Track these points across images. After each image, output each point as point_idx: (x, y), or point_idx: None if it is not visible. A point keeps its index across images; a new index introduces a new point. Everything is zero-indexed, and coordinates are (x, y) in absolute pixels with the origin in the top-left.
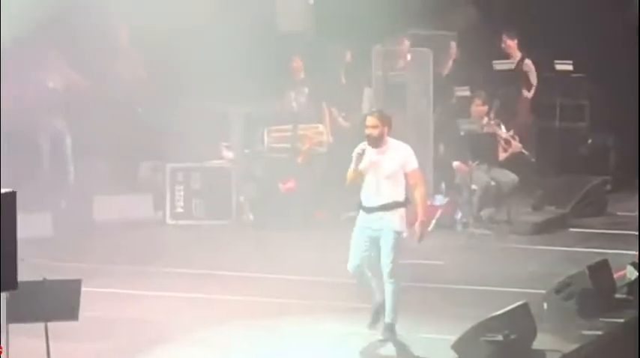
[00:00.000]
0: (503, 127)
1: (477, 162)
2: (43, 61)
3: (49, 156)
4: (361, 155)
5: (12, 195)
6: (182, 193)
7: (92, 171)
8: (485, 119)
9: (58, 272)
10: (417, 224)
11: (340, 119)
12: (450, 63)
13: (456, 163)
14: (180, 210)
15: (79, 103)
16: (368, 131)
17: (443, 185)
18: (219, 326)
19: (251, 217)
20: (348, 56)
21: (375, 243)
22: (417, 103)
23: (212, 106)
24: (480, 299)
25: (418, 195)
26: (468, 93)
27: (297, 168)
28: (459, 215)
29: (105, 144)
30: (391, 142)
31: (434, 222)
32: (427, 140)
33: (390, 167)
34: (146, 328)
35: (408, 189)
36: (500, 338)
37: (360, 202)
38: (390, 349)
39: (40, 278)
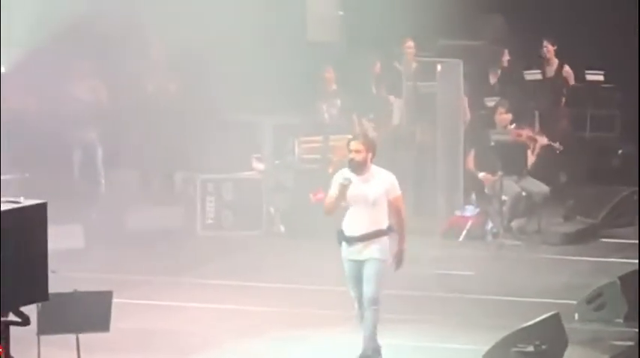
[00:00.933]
0: (526, 130)
1: (501, 173)
2: (75, 73)
3: (81, 168)
4: (346, 186)
5: (43, 207)
6: (213, 204)
7: (123, 183)
8: (510, 127)
9: (90, 283)
10: (396, 251)
11: (370, 129)
12: (499, 72)
13: (481, 174)
14: (210, 221)
15: (110, 115)
16: (351, 155)
17: (473, 195)
18: (251, 338)
19: (282, 228)
20: (378, 66)
21: (362, 272)
22: (447, 114)
23: (243, 118)
24: (510, 310)
25: (399, 222)
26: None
27: (328, 178)
28: (489, 225)
29: (136, 155)
30: (374, 169)
31: (464, 232)
32: (457, 150)
33: (375, 195)
34: (178, 339)
35: (390, 215)
36: (531, 348)
37: (342, 232)
38: None
39: (72, 290)
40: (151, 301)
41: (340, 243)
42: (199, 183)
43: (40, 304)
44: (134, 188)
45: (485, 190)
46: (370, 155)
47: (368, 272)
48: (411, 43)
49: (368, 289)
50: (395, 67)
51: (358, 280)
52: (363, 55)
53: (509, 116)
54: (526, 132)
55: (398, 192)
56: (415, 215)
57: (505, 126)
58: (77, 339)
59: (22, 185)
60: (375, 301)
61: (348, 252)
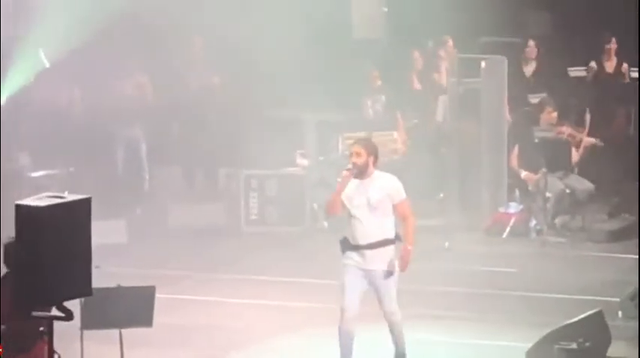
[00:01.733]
0: (570, 127)
1: (545, 171)
2: (119, 69)
3: (125, 163)
4: (348, 176)
5: (87, 202)
6: (256, 200)
7: (167, 178)
8: (556, 126)
9: (133, 278)
10: (403, 252)
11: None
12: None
13: (524, 173)
14: (254, 216)
15: (154, 111)
16: (352, 159)
17: (517, 192)
18: (294, 334)
19: (325, 224)
20: (422, 63)
21: (369, 283)
22: (491, 110)
23: (287, 114)
24: (554, 307)
25: (407, 226)
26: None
27: None
28: (533, 222)
29: (179, 151)
30: (377, 174)
31: (508, 229)
32: (501, 147)
33: (377, 199)
34: (221, 335)
35: (397, 222)
36: (574, 346)
37: (346, 241)
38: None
39: (115, 285)
40: (193, 296)
41: (343, 252)
42: (243, 179)
43: (83, 299)
44: (178, 184)
45: (529, 187)
46: (372, 159)
47: (381, 285)
48: (450, 42)
49: (385, 302)
50: (439, 64)
51: (357, 290)
52: (408, 51)
53: (556, 114)
54: (570, 130)
55: (402, 196)
56: (459, 212)
57: (550, 124)
58: (120, 334)
59: (66, 180)
60: (395, 312)
61: (352, 260)
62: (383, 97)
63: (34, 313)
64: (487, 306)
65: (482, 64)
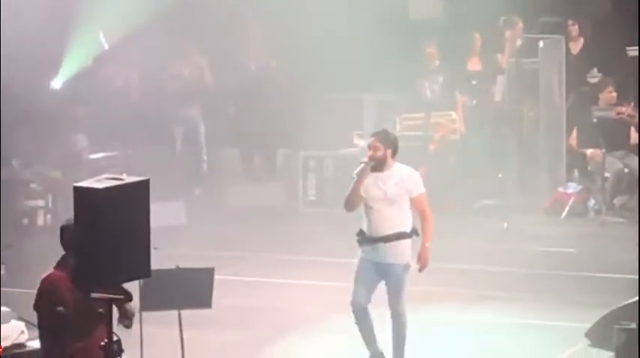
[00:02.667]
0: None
1: (604, 150)
2: (178, 51)
3: (183, 145)
4: (365, 170)
5: (145, 183)
6: (314, 181)
7: (225, 160)
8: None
9: (192, 260)
10: (421, 250)
11: (471, 106)
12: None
13: (590, 151)
14: (312, 197)
15: (212, 93)
16: (370, 153)
17: (576, 172)
18: (351, 315)
19: None
20: (480, 43)
21: (382, 277)
22: (550, 90)
23: (345, 94)
24: (613, 287)
25: (425, 222)
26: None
27: (430, 155)
28: (591, 202)
29: (237, 132)
30: (396, 166)
31: (567, 209)
32: (559, 127)
33: (395, 193)
34: (280, 316)
35: (415, 217)
36: (634, 325)
37: (362, 233)
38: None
39: (174, 267)
40: (252, 278)
41: (360, 244)
42: (301, 160)
43: (142, 281)
44: (236, 165)
45: (588, 167)
46: (390, 151)
47: (393, 279)
48: (520, 25)
49: (395, 300)
50: (497, 44)
51: (370, 283)
52: (465, 31)
53: (615, 94)
54: (629, 109)
55: (421, 189)
56: (518, 192)
57: (609, 104)
58: (179, 316)
59: (125, 162)
60: (403, 313)
61: (367, 253)
62: (440, 78)
63: (93, 295)
64: (546, 287)
65: (541, 43)
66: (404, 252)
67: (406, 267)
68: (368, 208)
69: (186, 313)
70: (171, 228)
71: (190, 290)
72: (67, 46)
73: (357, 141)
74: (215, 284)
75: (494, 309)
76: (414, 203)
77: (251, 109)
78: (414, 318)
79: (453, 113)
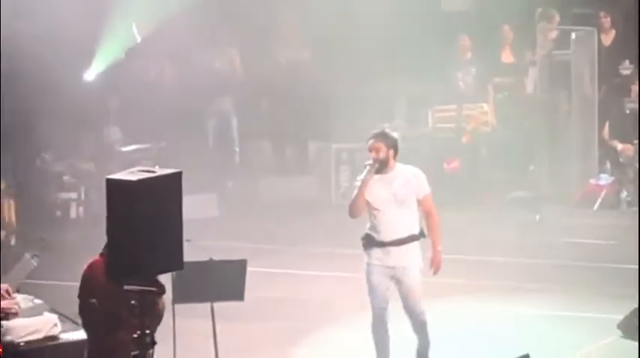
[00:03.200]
0: None
1: (636, 142)
2: (210, 43)
3: (216, 137)
4: (370, 171)
5: (177, 176)
6: (347, 173)
7: (257, 152)
8: None
9: (224, 252)
10: (434, 254)
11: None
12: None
13: (620, 145)
14: (344, 190)
15: (244, 85)
16: (373, 155)
17: (608, 164)
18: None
19: None
20: (512, 35)
21: (394, 281)
22: (582, 82)
23: (377, 87)
24: None
25: (432, 223)
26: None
27: (462, 147)
28: (624, 194)
29: (270, 125)
30: (399, 167)
31: (599, 201)
32: (591, 119)
33: (402, 195)
34: (312, 308)
35: (422, 217)
36: None
37: (369, 237)
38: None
39: (207, 259)
40: (285, 270)
41: (366, 249)
42: (334, 153)
43: (174, 273)
44: (268, 157)
45: (620, 159)
46: (392, 152)
47: (409, 282)
48: (557, 18)
49: (412, 302)
50: (528, 36)
51: (384, 288)
52: (498, 22)
53: None
54: None
55: (427, 190)
56: (550, 184)
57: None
58: (212, 308)
59: (157, 154)
60: (423, 311)
61: (378, 258)
62: (473, 69)
63: (126, 287)
64: (577, 278)
65: (573, 35)
66: (414, 254)
67: (417, 269)
68: (374, 211)
69: (218, 305)
70: (204, 220)
71: (223, 282)
72: (100, 38)
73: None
74: (247, 276)
75: (526, 301)
76: (421, 204)
77: (283, 102)
78: (444, 311)
79: (484, 105)
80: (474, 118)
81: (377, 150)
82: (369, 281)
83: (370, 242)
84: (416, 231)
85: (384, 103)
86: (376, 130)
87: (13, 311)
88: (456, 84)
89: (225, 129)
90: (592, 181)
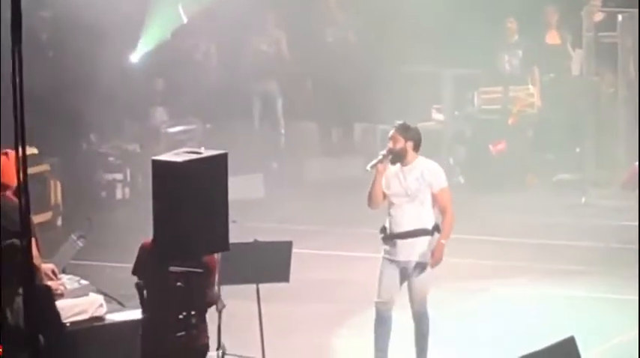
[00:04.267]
0: None
1: None
2: (256, 24)
3: (261, 118)
4: (383, 161)
5: (223, 157)
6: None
7: (303, 133)
8: None
9: (270, 233)
10: (435, 246)
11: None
12: None
13: None
14: None
15: (290, 66)
16: (389, 145)
17: None
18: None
19: (461, 179)
20: (557, 17)
21: (404, 275)
22: (628, 65)
23: (423, 68)
24: None
25: (445, 218)
26: None
27: (508, 129)
28: None
29: (315, 106)
30: (418, 160)
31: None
32: (637, 101)
33: (416, 188)
34: (359, 289)
35: (437, 212)
36: None
37: (385, 229)
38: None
39: (252, 240)
40: (330, 251)
41: (383, 242)
42: (379, 134)
43: (220, 254)
44: (314, 138)
45: None
46: (411, 144)
47: (413, 279)
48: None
49: (415, 300)
50: (575, 18)
51: (392, 283)
52: (545, 4)
53: None
54: None
55: (443, 184)
56: (595, 166)
57: None
58: (257, 289)
59: (203, 135)
60: (424, 314)
61: (387, 251)
62: (520, 52)
63: (172, 268)
64: (624, 261)
65: (619, 17)
66: (421, 249)
67: (423, 264)
68: (390, 204)
69: (264, 287)
70: (250, 201)
71: (268, 264)
72: (146, 19)
73: (435, 115)
74: (292, 258)
75: (572, 284)
76: (436, 198)
77: (328, 83)
78: (488, 293)
79: (530, 87)
80: (519, 100)
81: (394, 141)
82: (380, 272)
83: (384, 234)
84: (428, 226)
85: (430, 84)
86: (399, 121)
87: (59, 292)
88: (502, 66)
89: (271, 110)
90: (637, 164)
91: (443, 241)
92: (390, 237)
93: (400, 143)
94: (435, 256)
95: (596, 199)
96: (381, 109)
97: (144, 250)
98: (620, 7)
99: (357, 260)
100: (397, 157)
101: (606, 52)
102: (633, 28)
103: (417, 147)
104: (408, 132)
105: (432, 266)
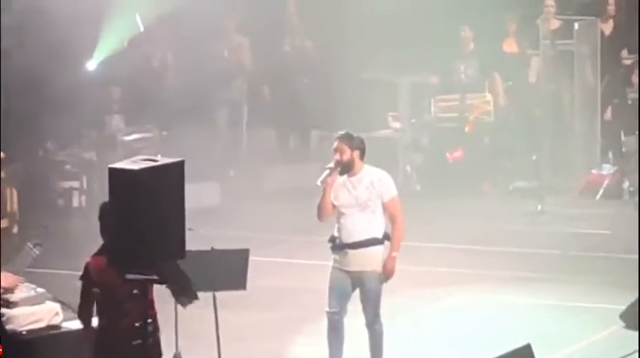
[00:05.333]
0: None
1: (638, 132)
2: (216, 30)
3: (227, 126)
4: (331, 175)
5: (180, 165)
6: None
7: (260, 140)
8: None
9: (227, 241)
10: (387, 259)
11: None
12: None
13: (624, 132)
14: None
15: (249, 73)
16: (336, 156)
17: (610, 154)
18: (385, 297)
19: (418, 187)
20: (514, 26)
21: (355, 285)
22: (585, 72)
23: (380, 76)
24: None
25: (395, 228)
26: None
27: (465, 137)
28: (626, 184)
29: (272, 113)
30: (366, 169)
31: (601, 191)
32: (594, 109)
33: (365, 197)
34: (315, 298)
35: (387, 221)
36: None
37: (333, 239)
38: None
39: (209, 248)
40: (287, 259)
41: (332, 251)
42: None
43: (177, 262)
44: (271, 146)
45: (623, 149)
46: (357, 153)
47: (366, 288)
48: (551, 2)
49: (368, 309)
50: (531, 26)
51: (343, 293)
52: (500, 13)
53: None
54: None
55: (393, 192)
56: (552, 173)
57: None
58: (214, 297)
59: (159, 143)
60: (378, 322)
61: (337, 261)
62: (475, 62)
63: (128, 276)
64: (580, 268)
65: (576, 25)
66: (373, 259)
67: (375, 273)
68: (340, 214)
69: (221, 294)
70: (206, 208)
71: (225, 271)
72: (103, 27)
73: (392, 123)
74: (250, 265)
75: (529, 291)
76: (386, 207)
77: (286, 90)
78: (446, 300)
79: (487, 94)
80: (476, 108)
81: (341, 152)
82: (329, 282)
83: (333, 243)
84: (378, 235)
85: (386, 92)
86: (342, 131)
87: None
88: (458, 76)
89: (236, 118)
90: (594, 171)
91: (394, 254)
92: (341, 247)
93: (347, 154)
94: (387, 269)
95: (553, 207)
96: (338, 117)
97: (95, 260)
98: (577, 14)
99: (314, 268)
100: (345, 168)
101: (563, 59)
102: (589, 35)
103: (362, 156)
104: (352, 141)
105: (385, 279)
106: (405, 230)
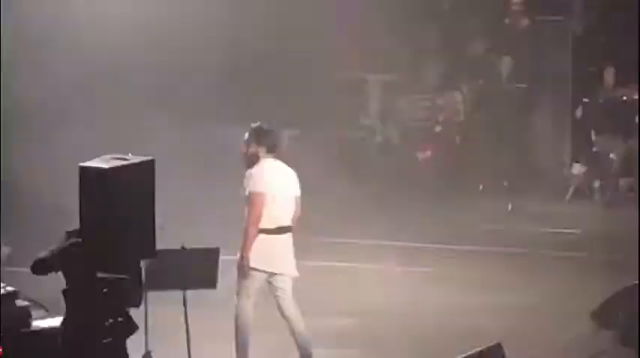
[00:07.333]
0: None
1: (608, 132)
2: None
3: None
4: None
5: (150, 163)
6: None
7: (232, 138)
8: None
9: (197, 240)
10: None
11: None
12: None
13: (595, 132)
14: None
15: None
16: (242, 150)
17: (581, 153)
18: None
19: (388, 185)
20: (485, 25)
21: (265, 285)
22: (556, 71)
23: (351, 75)
24: (619, 268)
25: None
26: None
27: (435, 137)
28: (597, 184)
29: (242, 111)
30: (260, 163)
31: (571, 190)
32: (565, 109)
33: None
34: None
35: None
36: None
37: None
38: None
39: (179, 247)
40: None
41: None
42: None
43: (147, 260)
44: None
45: (594, 148)
46: (263, 148)
47: (275, 287)
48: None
49: (285, 308)
50: (501, 26)
51: (250, 290)
52: (470, 13)
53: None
54: (633, 92)
55: (251, 188)
56: (523, 173)
57: (613, 86)
58: (184, 295)
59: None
60: (298, 319)
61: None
62: (446, 60)
63: (99, 274)
64: (550, 268)
65: (547, 25)
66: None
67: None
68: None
69: (191, 293)
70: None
71: (195, 270)
72: None
73: (362, 121)
74: (220, 264)
75: (498, 291)
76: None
77: (256, 89)
78: (414, 299)
79: (457, 94)
80: (446, 108)
81: (247, 145)
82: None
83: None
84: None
85: (357, 92)
86: (254, 124)
87: None
88: (429, 74)
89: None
90: (565, 171)
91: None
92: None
93: (253, 147)
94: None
95: (523, 206)
96: (310, 116)
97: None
98: (548, 14)
99: None
100: (250, 162)
101: (533, 58)
102: (560, 34)
103: (270, 151)
104: (261, 135)
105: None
106: (378, 228)
